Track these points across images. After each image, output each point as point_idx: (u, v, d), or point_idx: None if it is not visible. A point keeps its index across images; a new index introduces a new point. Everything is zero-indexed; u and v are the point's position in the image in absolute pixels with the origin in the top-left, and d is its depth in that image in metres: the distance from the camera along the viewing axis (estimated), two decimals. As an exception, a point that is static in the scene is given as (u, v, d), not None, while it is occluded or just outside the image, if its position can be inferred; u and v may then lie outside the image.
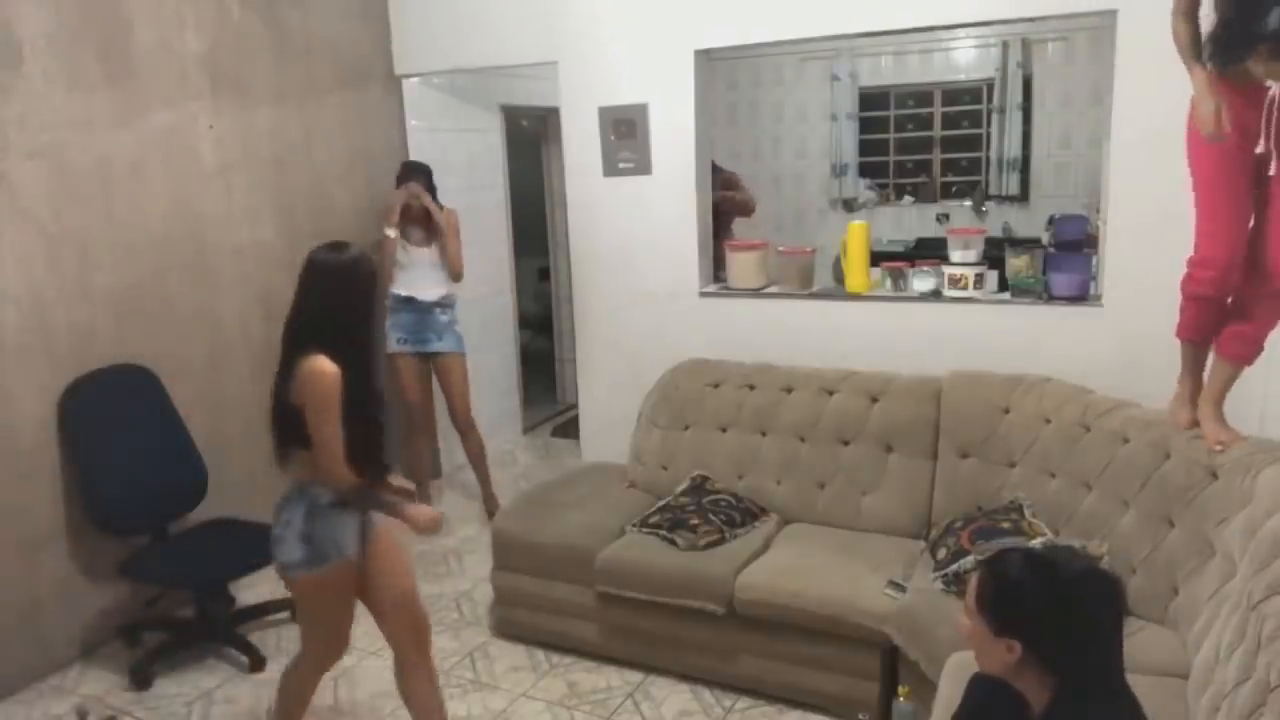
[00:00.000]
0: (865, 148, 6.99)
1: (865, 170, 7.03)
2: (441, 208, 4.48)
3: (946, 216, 6.71)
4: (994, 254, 3.84)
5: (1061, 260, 3.56)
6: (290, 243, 4.32)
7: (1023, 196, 6.47)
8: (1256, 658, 1.79)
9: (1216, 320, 2.53)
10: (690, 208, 4.14)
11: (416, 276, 4.44)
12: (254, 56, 4.12)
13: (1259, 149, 2.25)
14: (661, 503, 3.51)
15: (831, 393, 3.54)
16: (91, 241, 3.52)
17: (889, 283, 3.87)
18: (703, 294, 4.18)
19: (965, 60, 6.57)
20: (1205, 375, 2.63)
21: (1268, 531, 2.03)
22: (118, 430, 3.50)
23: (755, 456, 3.61)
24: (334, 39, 4.49)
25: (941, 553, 2.91)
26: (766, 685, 3.07)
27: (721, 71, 7.01)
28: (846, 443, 3.46)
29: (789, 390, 3.62)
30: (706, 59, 4.10)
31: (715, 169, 4.40)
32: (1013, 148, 6.40)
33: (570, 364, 5.88)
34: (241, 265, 4.11)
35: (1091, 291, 3.51)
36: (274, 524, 2.44)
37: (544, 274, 6.70)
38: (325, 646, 2.63)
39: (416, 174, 4.45)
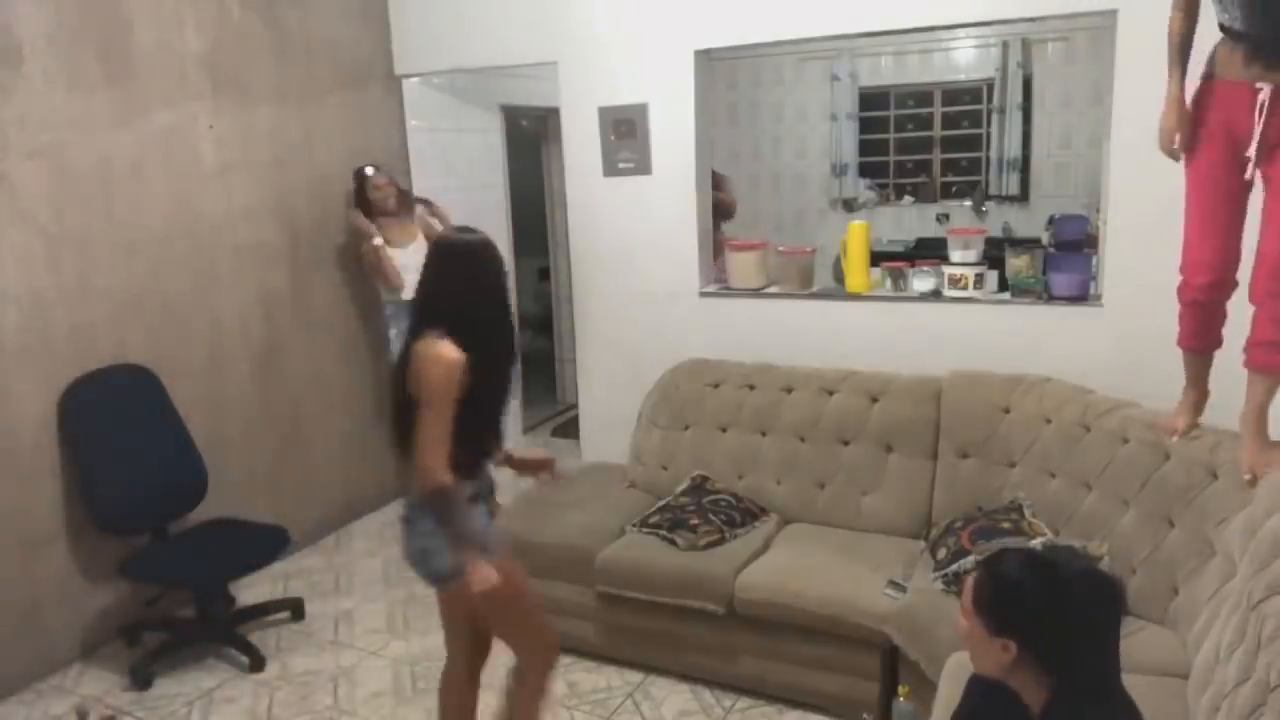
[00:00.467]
0: (865, 148, 6.99)
1: (865, 170, 7.03)
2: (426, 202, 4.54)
3: (946, 216, 6.71)
4: (994, 254, 3.84)
5: (1061, 260, 3.56)
6: (290, 243, 4.33)
7: (1023, 196, 6.47)
8: (1256, 658, 1.79)
9: (1217, 327, 2.50)
10: (690, 208, 4.13)
11: (412, 279, 4.41)
12: (254, 56, 4.12)
13: (1248, 151, 2.23)
14: (661, 503, 3.51)
15: (831, 393, 3.54)
16: (91, 241, 3.52)
17: (889, 283, 3.87)
18: (703, 294, 4.18)
19: (965, 60, 6.57)
20: (1209, 384, 2.60)
21: (1268, 531, 2.03)
22: (118, 430, 3.50)
23: (755, 456, 3.61)
24: (334, 39, 4.49)
25: (941, 553, 2.91)
26: (766, 685, 3.08)
27: (721, 71, 7.01)
28: (846, 443, 3.46)
29: (789, 390, 3.62)
30: (706, 59, 4.10)
31: None
32: (1013, 148, 6.40)
33: (570, 364, 5.88)
34: (241, 265, 4.11)
35: (1091, 291, 3.51)
36: (409, 537, 2.24)
37: (544, 274, 6.70)
38: (536, 642, 2.43)
39: (374, 168, 4.41)
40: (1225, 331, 2.53)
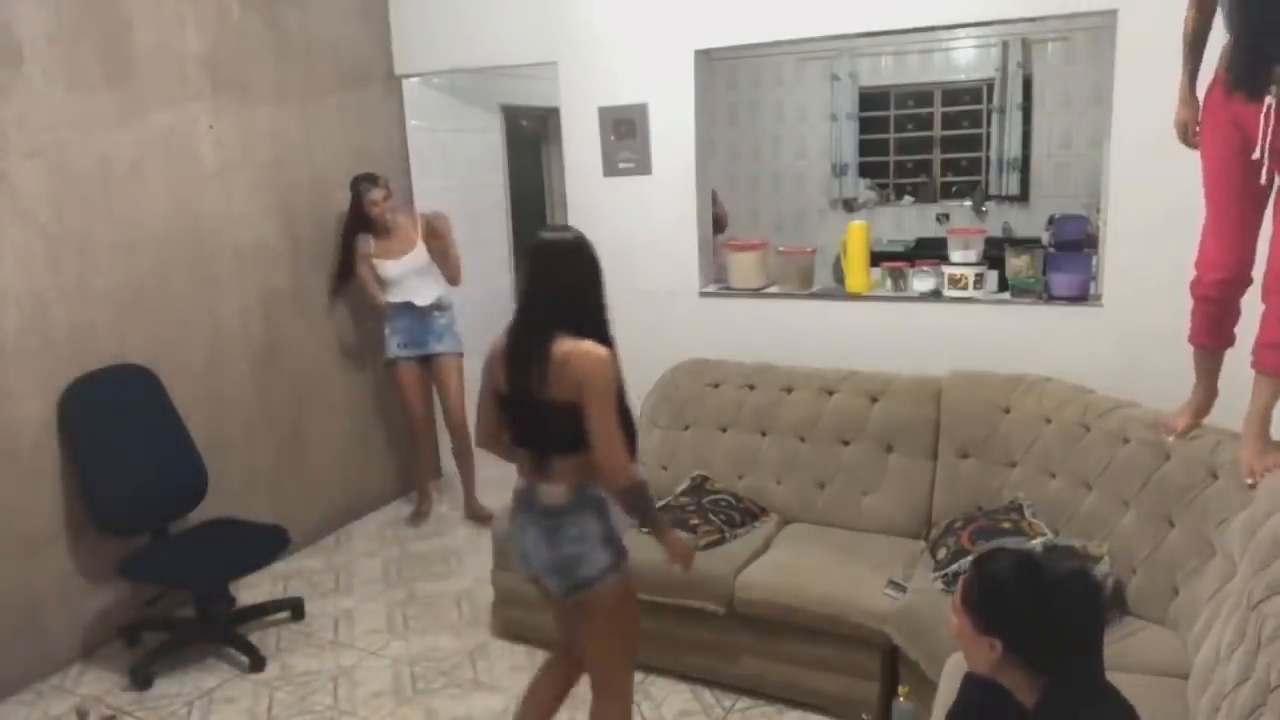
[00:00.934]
0: (865, 148, 7.00)
1: (865, 170, 7.03)
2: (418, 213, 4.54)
3: (946, 216, 6.71)
4: (994, 254, 3.84)
5: (1061, 260, 3.56)
6: (290, 243, 4.33)
7: (1023, 196, 6.48)
8: (1256, 658, 1.79)
9: (1229, 324, 2.47)
10: (690, 208, 4.14)
11: (411, 284, 4.41)
12: (254, 57, 4.12)
13: (1254, 154, 2.24)
14: (661, 503, 3.50)
15: (831, 393, 3.54)
16: (91, 241, 3.52)
17: (889, 283, 3.87)
18: (703, 294, 4.18)
19: (965, 60, 6.58)
20: (1218, 383, 2.58)
21: (1268, 531, 2.03)
22: (118, 430, 3.50)
23: (755, 456, 3.61)
24: (334, 39, 4.49)
25: (941, 553, 2.91)
26: (766, 685, 3.07)
27: (721, 71, 7.01)
28: (846, 443, 3.46)
29: (789, 390, 3.62)
30: (706, 59, 4.10)
31: None
32: (1013, 148, 6.40)
33: (570, 364, 5.86)
34: (241, 265, 4.11)
35: (1091, 291, 3.50)
36: (557, 546, 2.18)
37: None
38: (625, 661, 2.36)
39: (370, 182, 4.34)
40: (1236, 331, 2.50)
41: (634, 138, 4.14)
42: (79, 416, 3.43)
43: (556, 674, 2.56)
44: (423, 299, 4.42)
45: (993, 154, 6.51)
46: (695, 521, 3.28)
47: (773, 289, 4.11)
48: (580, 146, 4.29)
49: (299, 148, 4.36)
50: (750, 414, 3.66)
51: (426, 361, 4.55)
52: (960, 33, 6.31)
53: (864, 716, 2.84)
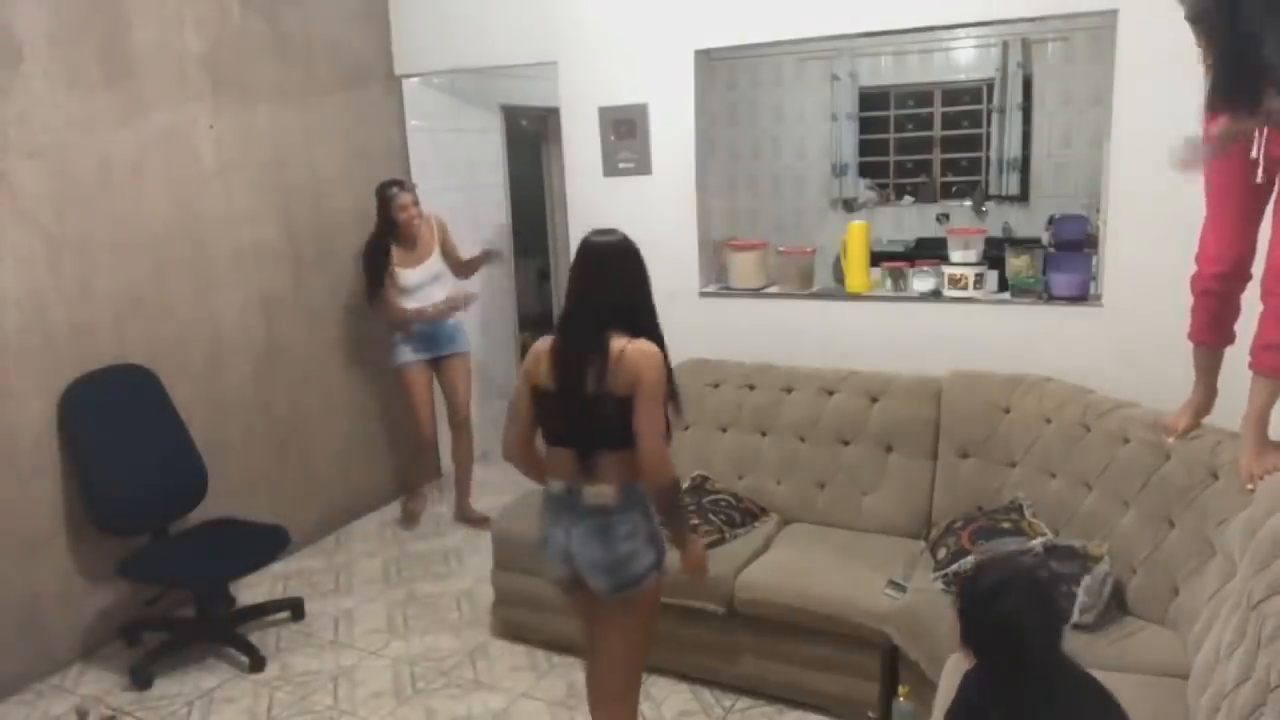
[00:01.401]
0: (865, 148, 6.99)
1: (865, 170, 7.02)
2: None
3: (946, 216, 6.71)
4: (994, 254, 3.84)
5: (1061, 260, 3.56)
6: (290, 243, 4.33)
7: (1023, 196, 6.47)
8: (1256, 658, 1.79)
9: (1229, 321, 2.47)
10: (690, 208, 4.14)
11: (428, 291, 4.39)
12: (254, 57, 4.12)
13: (1252, 153, 2.23)
14: (661, 503, 3.50)
15: (831, 393, 3.54)
16: (91, 242, 3.52)
17: (889, 283, 3.87)
18: (703, 294, 4.18)
19: (965, 60, 6.57)
20: (1218, 382, 2.58)
21: (1268, 531, 2.03)
22: (118, 430, 3.50)
23: (755, 456, 3.61)
24: (334, 39, 4.50)
25: (942, 553, 2.91)
26: (766, 685, 3.07)
27: (721, 71, 7.00)
28: (846, 443, 3.46)
29: (789, 390, 3.62)
30: (706, 59, 4.10)
31: None
32: (1013, 148, 6.40)
33: (570, 364, 5.85)
34: (241, 265, 4.11)
35: (1091, 291, 3.51)
36: (610, 545, 2.19)
37: (544, 274, 6.69)
38: (643, 661, 2.40)
39: (399, 186, 4.32)
40: (1236, 331, 2.49)
41: (634, 138, 4.14)
42: (79, 417, 3.43)
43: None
44: (434, 302, 4.41)
45: (993, 154, 6.50)
46: (695, 521, 3.27)
47: (773, 289, 4.11)
48: (580, 146, 4.29)
49: (299, 148, 4.36)
50: (750, 414, 3.65)
51: (435, 363, 4.55)
52: (960, 33, 6.30)
53: (869, 715, 2.84)
